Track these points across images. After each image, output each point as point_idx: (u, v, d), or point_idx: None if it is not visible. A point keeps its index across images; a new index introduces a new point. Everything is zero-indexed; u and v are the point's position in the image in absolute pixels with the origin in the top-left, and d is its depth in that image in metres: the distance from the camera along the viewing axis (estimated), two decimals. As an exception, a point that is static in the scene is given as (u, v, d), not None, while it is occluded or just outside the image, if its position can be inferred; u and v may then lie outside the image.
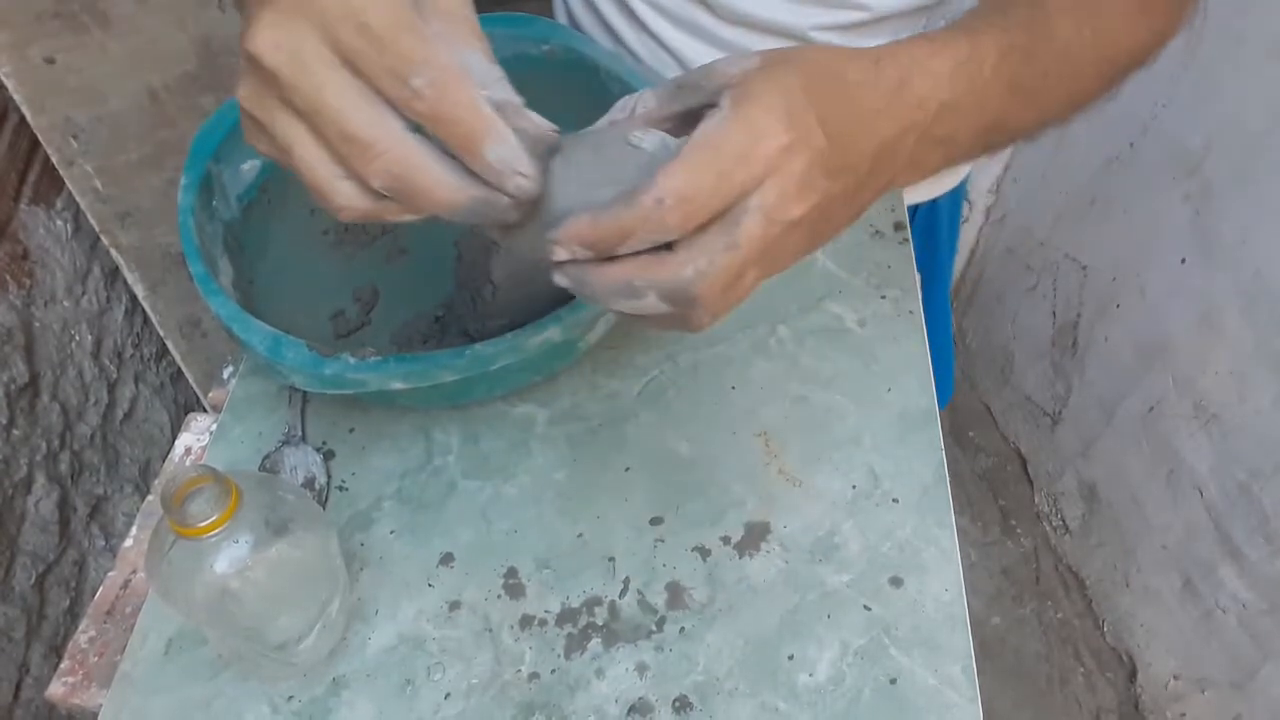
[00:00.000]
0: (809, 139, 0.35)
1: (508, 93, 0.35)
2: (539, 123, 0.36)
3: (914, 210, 0.77)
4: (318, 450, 0.59)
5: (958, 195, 0.82)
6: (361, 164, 0.33)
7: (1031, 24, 0.44)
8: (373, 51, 0.32)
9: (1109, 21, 0.48)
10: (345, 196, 0.34)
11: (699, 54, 0.67)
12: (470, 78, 0.33)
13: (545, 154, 0.36)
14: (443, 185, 0.34)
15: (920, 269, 0.69)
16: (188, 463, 0.67)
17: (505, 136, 0.34)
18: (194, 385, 1.11)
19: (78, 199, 0.92)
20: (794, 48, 0.38)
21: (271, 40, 0.32)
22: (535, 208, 0.37)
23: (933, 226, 0.81)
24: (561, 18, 0.78)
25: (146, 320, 1.03)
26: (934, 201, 0.79)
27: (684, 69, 0.68)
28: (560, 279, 0.37)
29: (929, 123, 0.39)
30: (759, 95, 0.35)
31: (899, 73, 0.38)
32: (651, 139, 0.37)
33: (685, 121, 0.38)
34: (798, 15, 0.63)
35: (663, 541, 0.55)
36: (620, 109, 0.39)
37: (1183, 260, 1.12)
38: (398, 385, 0.49)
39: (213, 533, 0.40)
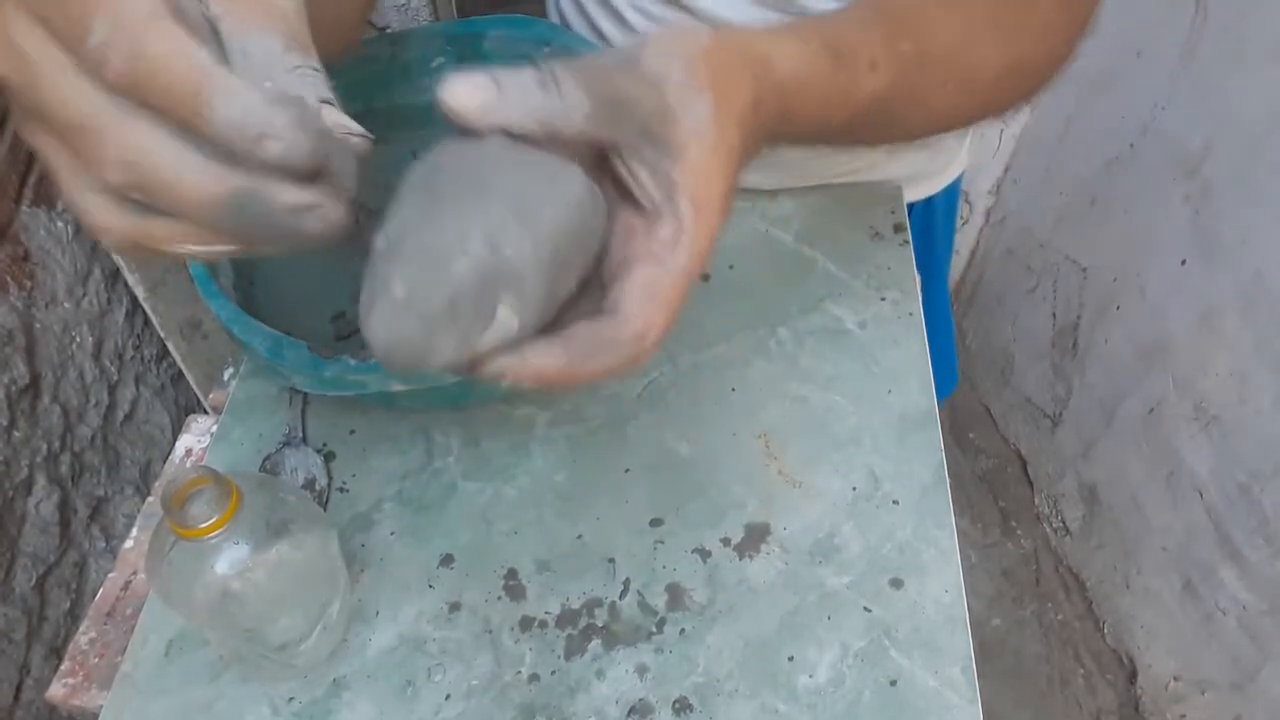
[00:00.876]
0: (729, 208, 0.35)
1: (308, 87, 0.28)
2: (338, 122, 0.28)
3: (910, 208, 0.78)
4: (318, 452, 0.59)
5: (954, 192, 0.82)
6: (93, 157, 0.26)
7: (903, 77, 0.44)
8: (55, 12, 0.25)
9: (981, 80, 0.49)
10: (101, 213, 0.28)
11: None
12: (177, 30, 0.25)
13: (343, 154, 0.28)
14: (188, 170, 0.26)
15: (919, 266, 0.69)
16: (188, 464, 0.67)
17: (238, 90, 0.25)
18: (195, 387, 1.11)
19: (78, 200, 0.92)
20: (728, 52, 0.36)
21: None
22: (393, 230, 0.29)
23: (929, 224, 0.81)
24: (554, 19, 0.78)
25: (147, 322, 1.03)
26: (930, 200, 0.79)
27: None
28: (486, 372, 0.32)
29: (781, 135, 0.40)
30: (711, 204, 0.33)
31: (781, 91, 0.39)
32: (576, 181, 0.31)
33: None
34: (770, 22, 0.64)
35: (663, 543, 0.55)
36: (523, 97, 0.30)
37: (1183, 261, 1.12)
38: (398, 387, 0.49)
39: (213, 534, 0.40)
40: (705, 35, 0.35)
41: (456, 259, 0.28)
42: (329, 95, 0.28)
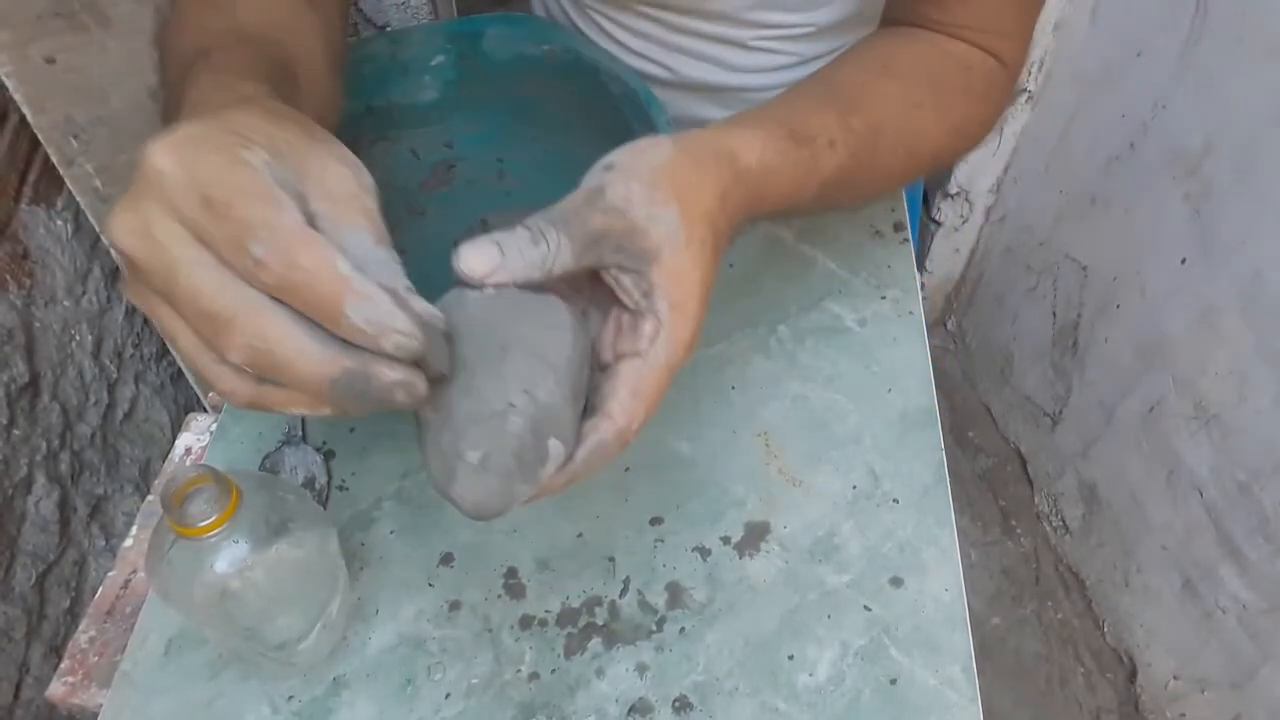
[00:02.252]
0: (705, 309, 0.40)
1: (394, 278, 0.33)
2: (426, 310, 0.33)
3: None
4: (318, 450, 0.59)
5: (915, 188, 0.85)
6: (221, 341, 0.31)
7: (860, 150, 0.49)
8: (213, 222, 0.30)
9: (925, 145, 0.54)
10: (227, 382, 0.33)
11: (662, 58, 0.69)
12: (324, 242, 0.30)
13: (438, 339, 0.33)
14: (306, 355, 0.31)
15: None
16: (188, 463, 0.67)
17: (371, 294, 0.30)
18: (194, 385, 1.11)
19: (78, 199, 0.92)
20: (688, 159, 0.41)
21: (124, 224, 0.31)
22: (439, 399, 0.35)
23: None
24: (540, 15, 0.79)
25: (146, 320, 1.03)
26: None
27: (646, 78, 0.69)
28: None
29: (758, 214, 0.46)
30: (688, 298, 0.38)
31: (747, 181, 0.44)
32: (561, 310, 0.37)
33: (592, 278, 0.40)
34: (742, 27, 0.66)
35: (663, 541, 0.55)
36: (520, 254, 0.36)
37: (1183, 260, 1.12)
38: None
39: (213, 533, 0.40)
40: (665, 149, 0.40)
41: (510, 418, 0.34)
42: (409, 284, 0.33)
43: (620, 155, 0.40)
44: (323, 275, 0.30)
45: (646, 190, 0.38)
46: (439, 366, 0.34)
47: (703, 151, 0.42)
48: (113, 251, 0.32)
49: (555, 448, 0.36)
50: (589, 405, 0.38)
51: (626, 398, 0.37)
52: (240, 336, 0.30)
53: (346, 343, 0.31)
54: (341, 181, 0.34)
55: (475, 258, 0.35)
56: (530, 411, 0.34)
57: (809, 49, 0.67)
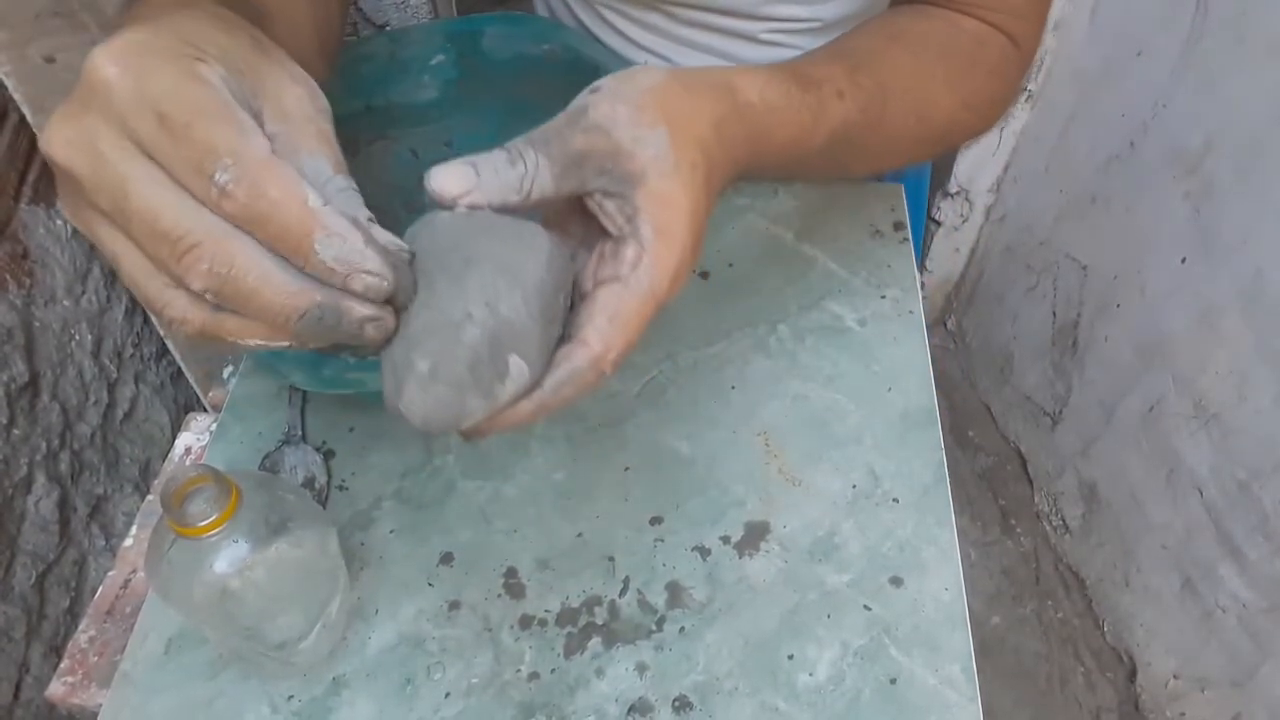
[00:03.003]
0: (700, 242, 0.37)
1: (355, 207, 0.32)
2: (391, 241, 0.32)
3: None
4: (317, 450, 0.59)
5: (921, 183, 0.84)
6: (178, 263, 0.28)
7: (869, 106, 0.47)
8: (171, 143, 0.28)
9: (936, 114, 0.52)
10: (178, 308, 0.30)
11: (665, 52, 0.69)
12: (291, 172, 0.29)
13: (405, 271, 0.32)
14: (275, 285, 0.29)
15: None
16: (187, 462, 0.67)
17: (341, 230, 0.29)
18: (194, 385, 1.11)
19: (78, 198, 0.92)
20: (680, 84, 0.38)
21: (65, 137, 0.29)
22: (398, 325, 0.33)
23: None
24: (542, 14, 0.78)
25: (146, 320, 1.03)
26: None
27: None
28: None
29: (765, 159, 0.43)
30: (675, 224, 0.35)
31: (745, 111, 0.41)
32: (539, 236, 0.35)
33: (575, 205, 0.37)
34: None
35: (662, 541, 0.55)
36: (496, 174, 0.34)
37: (1183, 260, 1.12)
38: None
39: (212, 532, 0.40)
40: (656, 74, 0.38)
41: (466, 327, 0.32)
42: (370, 214, 0.32)
43: (608, 79, 0.37)
44: (291, 208, 0.28)
45: (633, 111, 0.36)
46: (405, 299, 0.32)
47: (698, 80, 0.39)
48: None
49: (517, 365, 0.33)
50: (566, 335, 0.36)
51: (603, 323, 0.35)
52: (204, 262, 0.28)
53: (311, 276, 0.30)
54: (298, 103, 0.32)
55: (448, 177, 0.33)
56: (489, 324, 0.32)
57: (815, 43, 0.67)
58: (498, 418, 0.34)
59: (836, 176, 0.52)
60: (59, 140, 0.29)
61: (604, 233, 0.37)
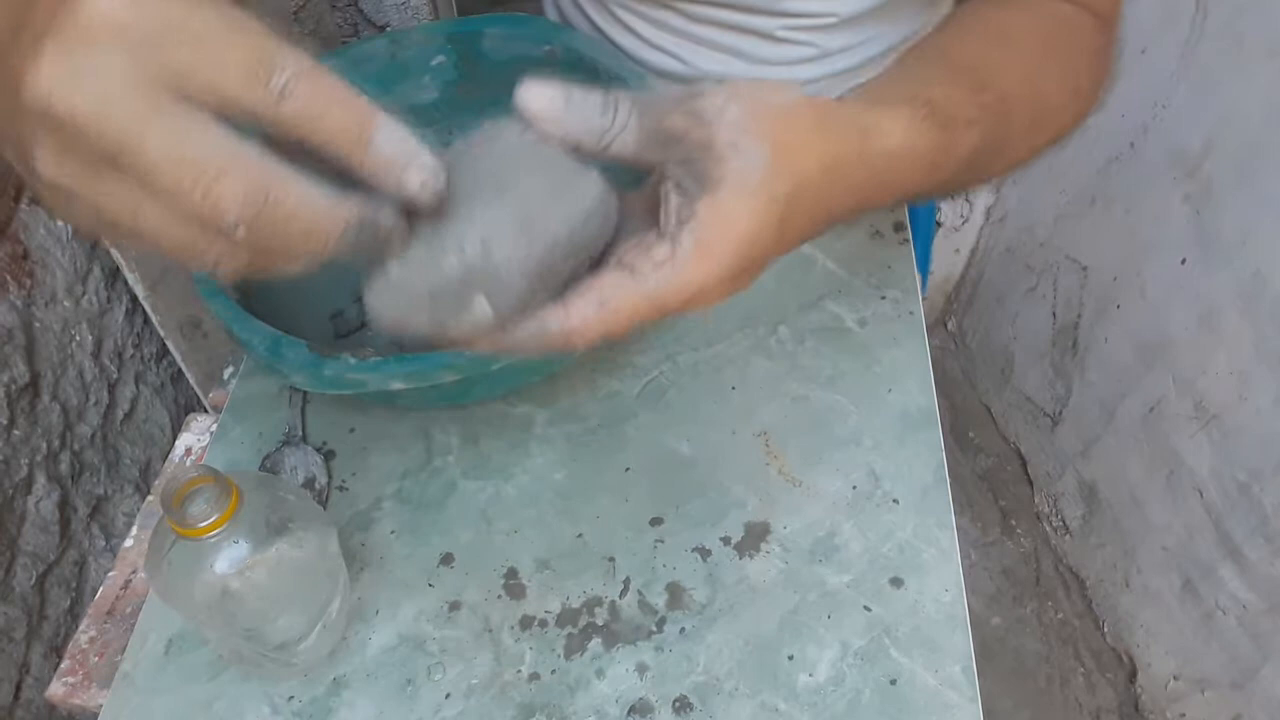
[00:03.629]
0: (743, 276, 0.35)
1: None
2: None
3: None
4: (318, 450, 0.59)
5: None
6: (209, 194, 0.26)
7: (994, 129, 0.44)
8: (213, 61, 0.26)
9: (1050, 117, 0.50)
10: (216, 247, 0.28)
11: (678, 50, 0.68)
12: (335, 73, 0.28)
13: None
14: (314, 202, 0.28)
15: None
16: (188, 463, 0.67)
17: (394, 128, 0.28)
18: (194, 385, 1.11)
19: (78, 199, 0.92)
20: (810, 115, 0.35)
21: (60, 81, 0.25)
22: (418, 239, 0.32)
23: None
24: (552, 16, 0.78)
25: (147, 320, 1.03)
26: None
27: (660, 71, 0.68)
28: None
29: (871, 205, 0.40)
30: (721, 246, 0.33)
31: (876, 161, 0.38)
32: (589, 195, 0.34)
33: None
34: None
35: (663, 542, 0.55)
36: (583, 113, 0.33)
37: (1183, 260, 1.12)
38: (397, 385, 0.49)
39: (213, 533, 0.40)
40: (791, 93, 0.35)
41: (448, 256, 0.32)
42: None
43: (739, 80, 0.35)
44: (351, 100, 0.28)
45: (745, 116, 0.33)
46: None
47: (833, 115, 0.36)
48: (32, 119, 0.26)
49: (481, 306, 0.32)
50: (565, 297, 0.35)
51: (590, 302, 0.33)
52: (239, 188, 0.26)
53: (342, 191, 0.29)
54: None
55: (537, 95, 0.32)
56: (474, 262, 0.32)
57: (830, 41, 0.66)
58: (446, 339, 0.34)
59: (935, 198, 0.50)
60: (54, 83, 0.25)
61: (652, 212, 0.35)
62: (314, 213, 0.28)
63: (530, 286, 0.33)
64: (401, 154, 0.29)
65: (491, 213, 0.32)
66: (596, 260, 0.35)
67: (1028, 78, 0.47)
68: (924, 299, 0.68)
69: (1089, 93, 0.52)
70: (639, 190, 0.36)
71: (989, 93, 0.44)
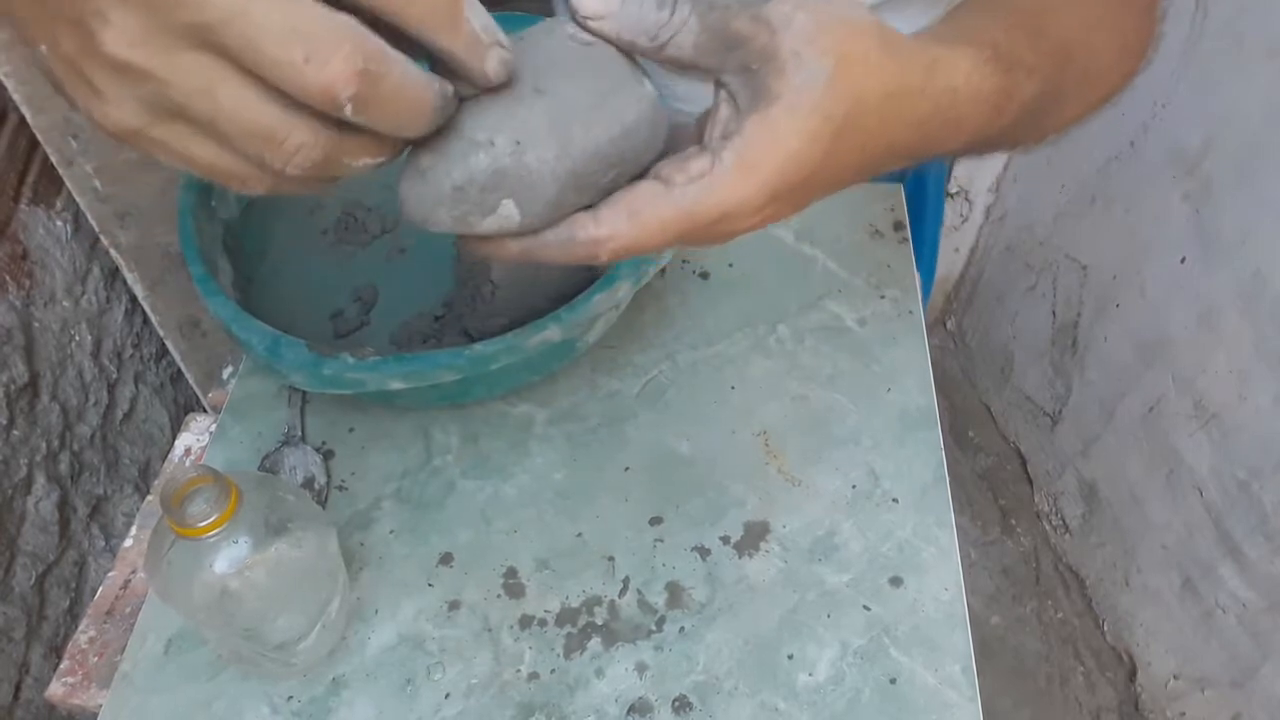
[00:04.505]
0: (784, 200, 0.33)
1: None
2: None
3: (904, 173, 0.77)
4: (317, 450, 0.59)
5: (942, 169, 0.82)
6: (324, 67, 0.26)
7: (1051, 77, 0.43)
8: None
9: (1103, 73, 0.48)
10: (302, 132, 0.27)
11: None
12: None
13: None
14: (415, 78, 0.28)
15: (913, 214, 0.69)
16: (187, 463, 0.67)
17: (480, 7, 0.29)
18: (194, 385, 1.11)
19: (77, 199, 0.92)
20: (881, 40, 0.33)
21: None
22: (454, 132, 0.32)
23: (920, 192, 0.80)
24: (562, 14, 0.78)
25: (146, 320, 1.03)
26: (921, 177, 0.79)
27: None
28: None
29: (932, 146, 0.38)
30: (764, 165, 0.32)
31: (940, 97, 0.36)
32: (637, 107, 0.33)
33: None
34: None
35: (662, 541, 0.55)
36: (640, 8, 0.31)
37: (1182, 260, 1.12)
38: (397, 385, 0.49)
39: (212, 533, 0.40)
40: (861, 13, 0.33)
41: (478, 153, 0.31)
42: None
43: None
44: None
45: (812, 28, 0.31)
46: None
47: (902, 41, 0.34)
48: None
49: (507, 209, 0.32)
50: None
51: (619, 212, 0.32)
52: (360, 59, 0.26)
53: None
54: None
55: None
56: (504, 162, 0.31)
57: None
58: (473, 241, 0.34)
59: (987, 153, 0.49)
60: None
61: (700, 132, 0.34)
62: (417, 86, 0.28)
63: (561, 193, 0.32)
64: (486, 34, 0.29)
65: (528, 112, 0.31)
66: (639, 177, 0.34)
67: (1084, 28, 0.45)
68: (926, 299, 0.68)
69: (1137, 51, 0.50)
70: (697, 119, 0.35)
71: (1048, 40, 0.43)
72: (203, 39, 0.25)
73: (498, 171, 0.31)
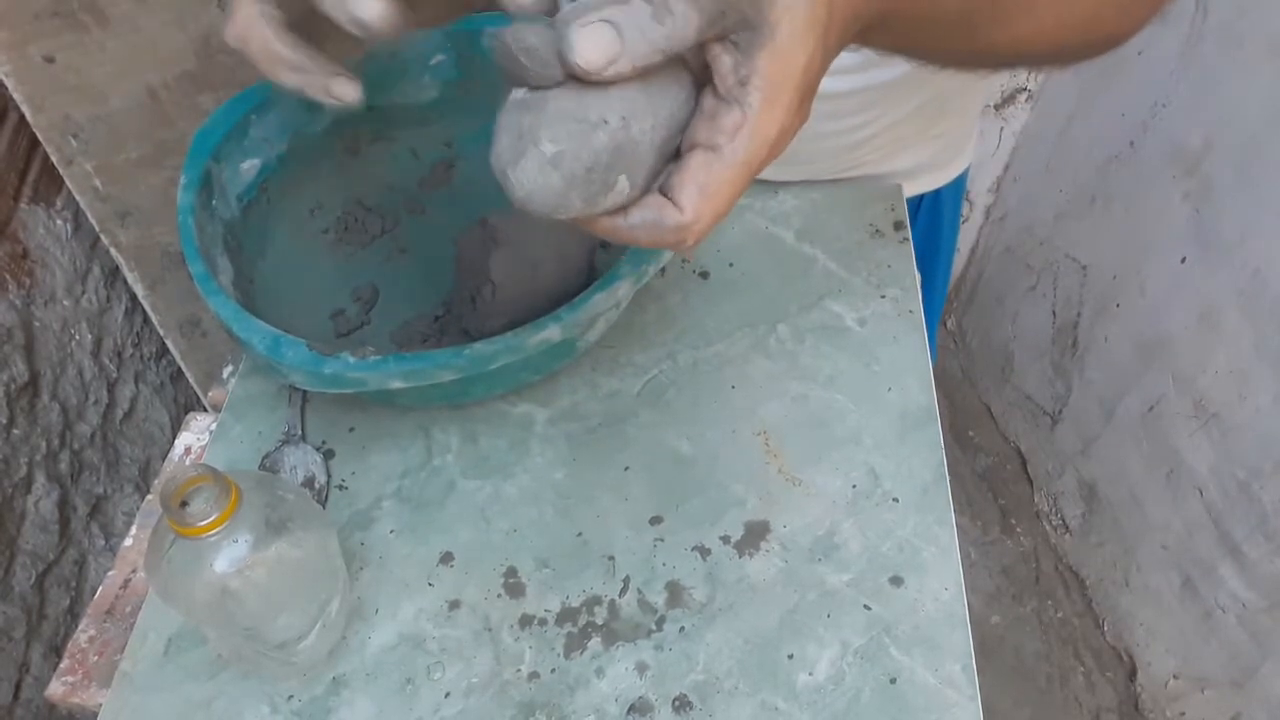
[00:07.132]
0: (806, 101, 0.35)
1: None
2: None
3: (917, 203, 0.77)
4: (317, 449, 0.59)
5: (960, 185, 0.82)
6: None
7: None
8: None
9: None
10: None
11: None
12: None
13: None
14: None
15: (923, 258, 0.68)
16: (187, 462, 0.67)
17: None
18: (194, 384, 1.11)
19: (77, 198, 0.92)
20: None
21: None
22: (541, 84, 0.33)
23: (937, 218, 0.81)
24: None
25: (146, 319, 1.03)
26: (937, 192, 0.79)
27: None
28: None
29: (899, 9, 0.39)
30: (784, 88, 0.33)
31: None
32: (683, 75, 0.35)
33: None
34: None
35: (662, 541, 0.55)
36: (643, 34, 0.32)
37: (1182, 259, 1.12)
38: (397, 384, 0.49)
39: (212, 532, 0.40)
40: None
41: (599, 131, 0.33)
42: None
43: None
44: None
45: None
46: (550, 75, 0.33)
47: None
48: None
49: (622, 184, 0.34)
50: (659, 186, 0.36)
51: (694, 194, 0.34)
52: None
53: None
54: None
55: (592, 46, 0.31)
56: (619, 138, 0.33)
57: (849, 57, 0.65)
58: (586, 220, 0.35)
59: (972, 51, 0.47)
60: None
61: (708, 84, 0.35)
62: None
63: (658, 161, 0.34)
64: None
65: (619, 89, 0.33)
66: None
67: None
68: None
69: (1125, 4, 0.48)
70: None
71: None
72: None
73: (617, 149, 0.33)
